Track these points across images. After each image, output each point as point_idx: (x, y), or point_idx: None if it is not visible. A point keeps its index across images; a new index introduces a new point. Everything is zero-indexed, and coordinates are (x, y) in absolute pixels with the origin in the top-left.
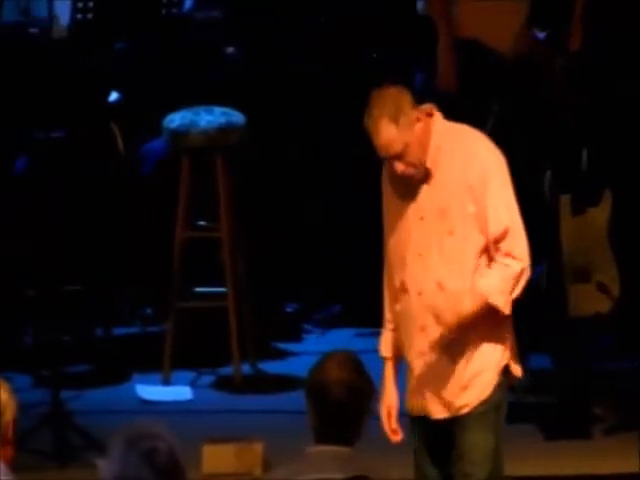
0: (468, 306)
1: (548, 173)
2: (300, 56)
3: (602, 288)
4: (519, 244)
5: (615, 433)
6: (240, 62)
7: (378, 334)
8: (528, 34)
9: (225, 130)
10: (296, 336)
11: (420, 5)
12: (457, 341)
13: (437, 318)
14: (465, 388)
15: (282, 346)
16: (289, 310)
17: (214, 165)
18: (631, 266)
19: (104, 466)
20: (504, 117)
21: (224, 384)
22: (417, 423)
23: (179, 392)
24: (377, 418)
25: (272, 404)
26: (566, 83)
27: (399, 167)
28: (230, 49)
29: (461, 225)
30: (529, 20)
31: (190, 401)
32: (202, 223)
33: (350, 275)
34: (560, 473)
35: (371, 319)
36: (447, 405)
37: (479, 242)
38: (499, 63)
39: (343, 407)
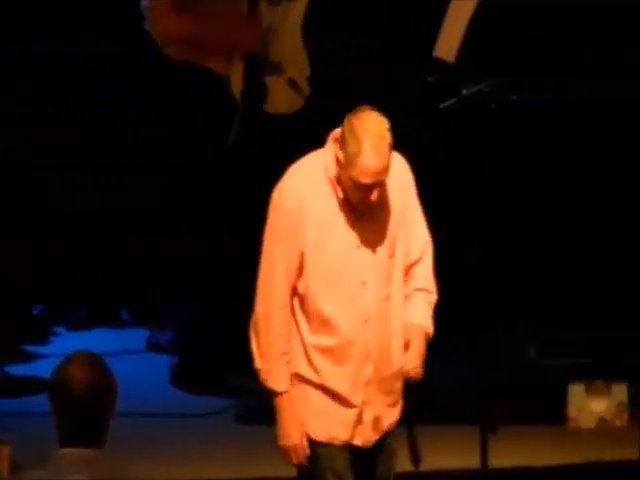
0: (421, 342)
1: None
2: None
3: (293, 84)
4: (431, 267)
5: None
6: None
7: (131, 335)
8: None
9: None
10: (43, 338)
11: None
12: (394, 365)
13: (384, 343)
14: (393, 405)
15: (29, 348)
16: (36, 312)
17: None
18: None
19: None
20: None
21: None
22: (342, 452)
23: None
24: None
25: (19, 407)
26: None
27: (375, 196)
28: None
29: (398, 248)
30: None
31: None
32: None
33: (100, 275)
34: None
35: (122, 322)
36: (380, 428)
37: (404, 264)
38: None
39: (84, 407)
